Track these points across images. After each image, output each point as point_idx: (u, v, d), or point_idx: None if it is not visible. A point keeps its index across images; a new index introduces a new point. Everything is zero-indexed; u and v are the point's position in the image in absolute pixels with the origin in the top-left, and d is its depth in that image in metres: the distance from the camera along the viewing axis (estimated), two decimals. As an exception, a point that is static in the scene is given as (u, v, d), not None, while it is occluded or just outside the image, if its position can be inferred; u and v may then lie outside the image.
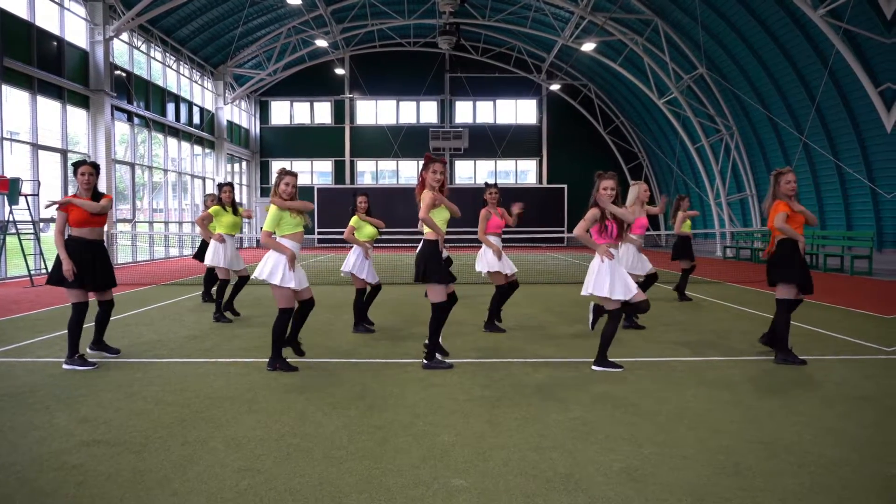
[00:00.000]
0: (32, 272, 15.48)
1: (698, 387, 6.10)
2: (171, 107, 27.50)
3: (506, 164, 39.46)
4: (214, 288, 10.78)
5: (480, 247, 9.15)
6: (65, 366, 6.85)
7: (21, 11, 17.94)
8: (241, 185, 36.09)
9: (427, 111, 39.44)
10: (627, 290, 6.57)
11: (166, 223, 27.43)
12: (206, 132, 31.15)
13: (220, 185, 10.73)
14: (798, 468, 4.15)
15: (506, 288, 9.14)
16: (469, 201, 14.21)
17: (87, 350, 7.30)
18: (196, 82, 30.48)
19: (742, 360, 7.26)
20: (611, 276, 6.55)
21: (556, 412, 5.30)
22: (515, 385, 6.15)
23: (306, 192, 35.77)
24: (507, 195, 9.63)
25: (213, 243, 10.41)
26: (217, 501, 3.70)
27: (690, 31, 24.26)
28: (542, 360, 7.21)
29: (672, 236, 12.70)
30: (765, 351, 7.61)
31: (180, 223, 28.19)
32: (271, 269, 6.61)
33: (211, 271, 11.29)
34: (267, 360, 6.94)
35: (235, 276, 10.51)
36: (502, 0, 29.94)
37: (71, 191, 19.53)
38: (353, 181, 38.63)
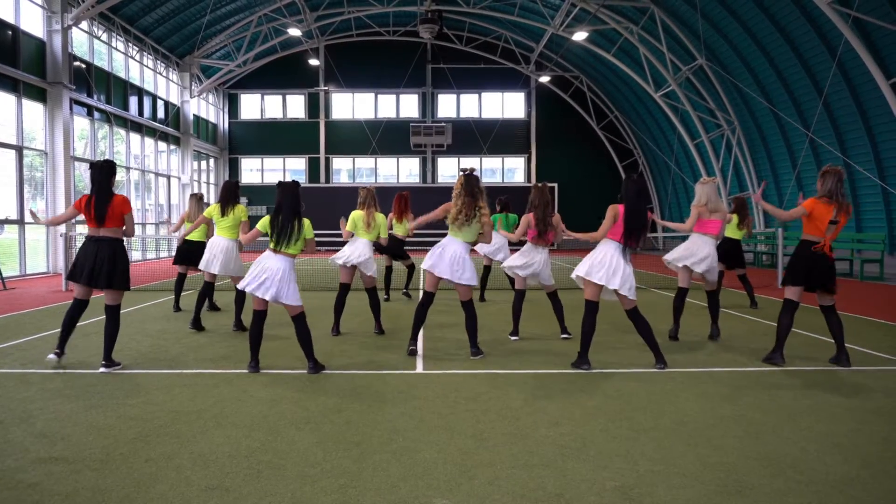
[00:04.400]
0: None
1: (698, 399, 6.12)
2: (133, 100, 27.34)
3: (492, 162, 39.43)
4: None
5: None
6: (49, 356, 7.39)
7: (-29, -3, 17.78)
8: (208, 183, 35.92)
9: (407, 105, 39.40)
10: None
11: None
12: (172, 127, 31.00)
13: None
14: (804, 486, 4.17)
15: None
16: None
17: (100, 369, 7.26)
18: (161, 74, 30.33)
19: (744, 371, 7.30)
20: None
21: (545, 427, 5.30)
22: (502, 398, 6.15)
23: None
24: (492, 194, 9.62)
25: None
26: (181, 525, 3.68)
27: (689, 20, 24.37)
28: (531, 372, 7.21)
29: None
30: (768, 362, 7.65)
31: (143, 224, 28.00)
32: None
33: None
34: (235, 371, 7.16)
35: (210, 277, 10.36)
36: (488, -14, 30.03)
37: (26, 188, 19.41)
38: (328, 180, 38.54)
